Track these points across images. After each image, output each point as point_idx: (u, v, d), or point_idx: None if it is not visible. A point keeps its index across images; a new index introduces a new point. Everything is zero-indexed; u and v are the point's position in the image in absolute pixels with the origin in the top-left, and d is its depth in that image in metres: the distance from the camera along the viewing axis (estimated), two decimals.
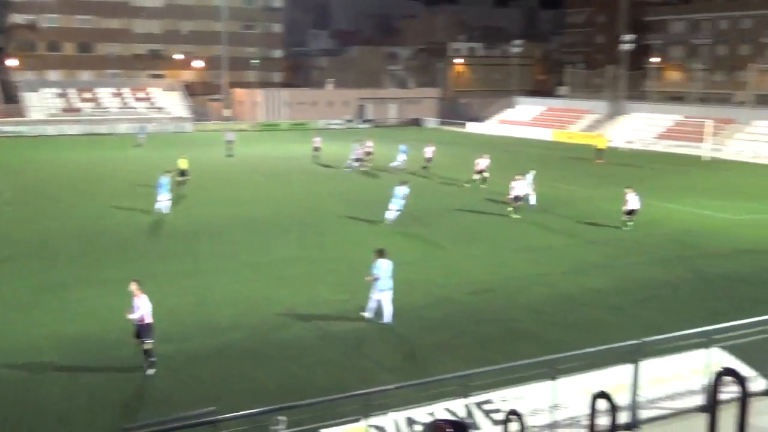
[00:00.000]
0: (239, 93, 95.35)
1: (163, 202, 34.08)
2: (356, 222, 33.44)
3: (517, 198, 34.73)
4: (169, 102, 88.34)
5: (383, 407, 11.69)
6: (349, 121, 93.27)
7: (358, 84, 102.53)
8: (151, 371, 16.27)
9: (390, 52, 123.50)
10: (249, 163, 54.48)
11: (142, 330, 16.22)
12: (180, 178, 39.94)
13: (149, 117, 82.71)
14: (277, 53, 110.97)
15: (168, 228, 31.94)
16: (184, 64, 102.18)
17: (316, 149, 55.71)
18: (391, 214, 32.69)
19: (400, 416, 11.83)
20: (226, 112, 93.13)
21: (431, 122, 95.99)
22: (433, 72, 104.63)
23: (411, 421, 11.85)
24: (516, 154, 60.29)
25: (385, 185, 44.47)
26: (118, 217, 33.85)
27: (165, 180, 34.19)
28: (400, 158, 50.30)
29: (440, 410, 11.93)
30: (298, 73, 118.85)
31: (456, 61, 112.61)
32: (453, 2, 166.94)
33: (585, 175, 44.16)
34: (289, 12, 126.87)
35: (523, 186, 35.12)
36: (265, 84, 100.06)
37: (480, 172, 43.36)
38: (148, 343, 16.27)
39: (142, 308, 16.18)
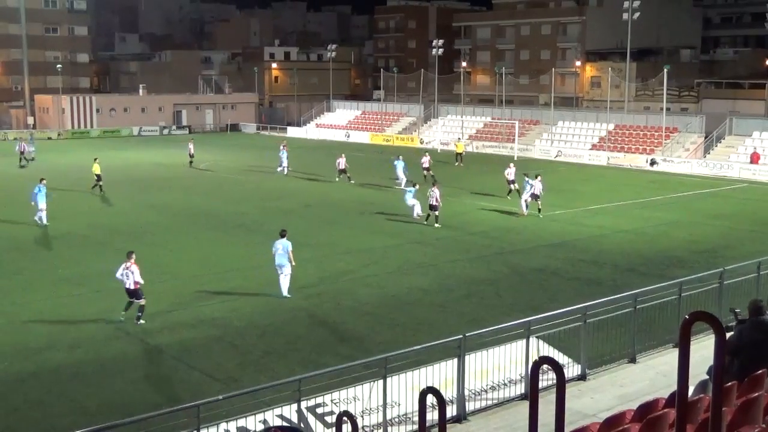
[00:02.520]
0: (43, 99, 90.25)
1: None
2: (181, 233, 32.67)
3: (432, 207, 33.05)
4: None
5: (215, 418, 11.51)
6: (165, 127, 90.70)
7: (172, 89, 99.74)
8: (142, 321, 19.86)
9: (204, 57, 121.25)
10: (57, 172, 51.71)
11: (137, 292, 19.82)
12: (97, 183, 42.24)
13: None
14: (84, 57, 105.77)
15: None
16: None
17: (191, 155, 55.02)
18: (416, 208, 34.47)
19: (232, 426, 11.68)
20: (31, 120, 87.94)
21: (250, 127, 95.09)
22: (250, 77, 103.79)
23: (244, 430, 11.73)
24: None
25: (219, 194, 43.68)
26: None
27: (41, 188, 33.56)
28: (399, 175, 45.15)
29: (273, 417, 11.90)
30: (107, 78, 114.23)
31: (273, 65, 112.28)
32: (266, 6, 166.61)
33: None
34: (95, 14, 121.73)
35: (437, 193, 33.00)
36: (72, 90, 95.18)
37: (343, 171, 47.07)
38: (143, 300, 19.97)
39: (136, 275, 19.68)
